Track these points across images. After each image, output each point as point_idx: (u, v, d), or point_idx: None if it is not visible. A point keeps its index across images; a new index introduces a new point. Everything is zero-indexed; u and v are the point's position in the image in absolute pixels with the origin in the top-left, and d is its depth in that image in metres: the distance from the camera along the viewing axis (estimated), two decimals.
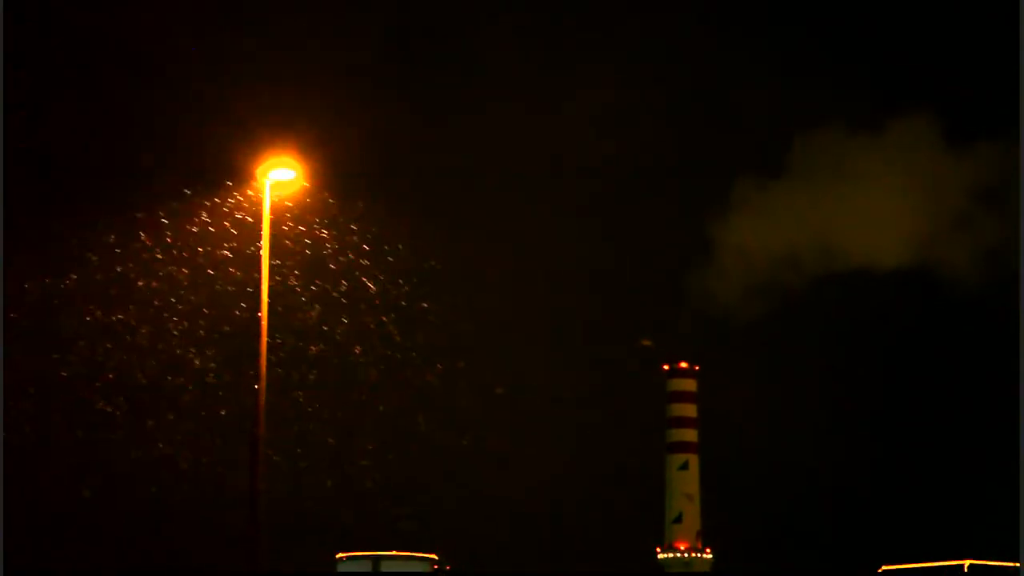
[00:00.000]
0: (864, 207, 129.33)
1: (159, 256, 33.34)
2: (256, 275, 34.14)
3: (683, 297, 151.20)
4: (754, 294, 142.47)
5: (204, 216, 33.56)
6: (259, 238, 33.77)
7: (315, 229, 34.47)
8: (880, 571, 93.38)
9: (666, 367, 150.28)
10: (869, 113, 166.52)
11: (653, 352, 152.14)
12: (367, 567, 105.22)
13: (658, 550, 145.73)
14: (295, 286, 34.82)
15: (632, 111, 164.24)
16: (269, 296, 33.74)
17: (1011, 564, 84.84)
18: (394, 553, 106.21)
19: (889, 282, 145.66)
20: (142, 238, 33.22)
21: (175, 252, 33.42)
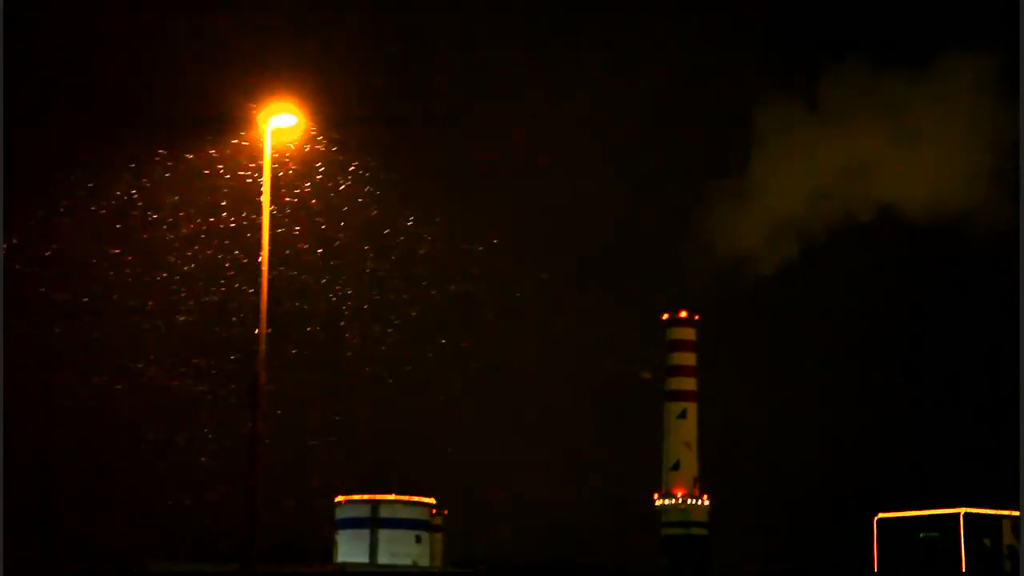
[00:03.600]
0: (896, 149, 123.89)
1: (160, 203, 33.45)
2: (257, 219, 34.30)
3: (694, 245, 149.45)
4: (766, 242, 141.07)
5: (205, 163, 33.62)
6: (260, 184, 33.83)
7: (316, 175, 34.59)
8: (876, 519, 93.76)
9: (665, 315, 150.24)
10: (911, 48, 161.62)
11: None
12: (366, 511, 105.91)
13: (655, 497, 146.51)
14: (295, 233, 34.99)
15: (640, 58, 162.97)
16: (269, 242, 33.83)
17: (1006, 512, 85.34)
18: (393, 497, 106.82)
19: (913, 232, 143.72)
20: (141, 185, 33.31)
21: (176, 200, 33.55)
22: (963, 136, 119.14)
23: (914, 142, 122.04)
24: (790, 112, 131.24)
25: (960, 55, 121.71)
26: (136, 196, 33.42)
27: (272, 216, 34.42)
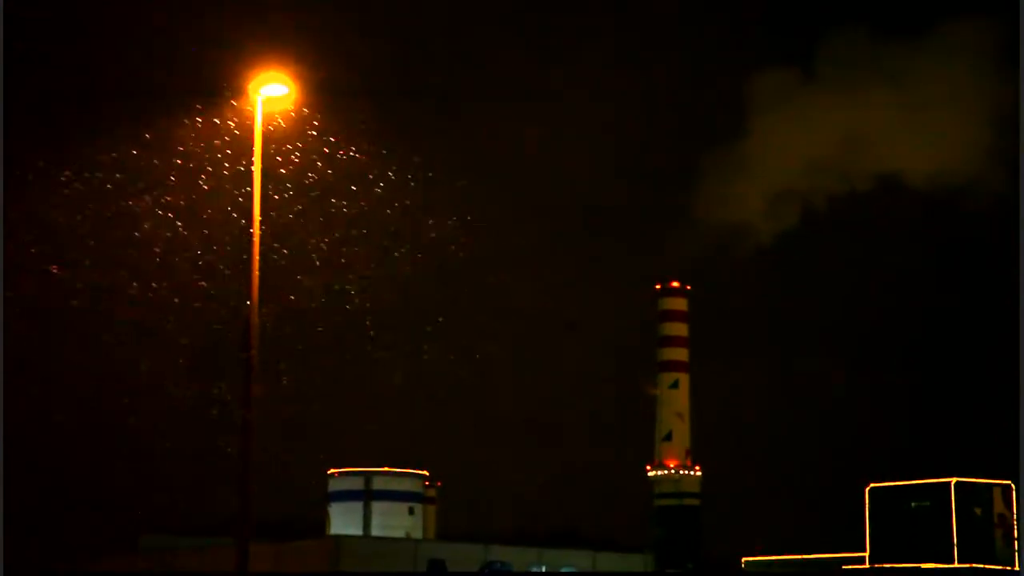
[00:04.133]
0: (895, 117, 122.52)
1: (151, 170, 33.31)
2: (275, 216, 34.29)
3: (688, 214, 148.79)
4: (764, 213, 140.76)
5: (193, 133, 33.41)
6: (251, 155, 33.64)
7: (307, 145, 34.38)
8: (868, 489, 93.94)
9: (657, 286, 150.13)
10: (910, 15, 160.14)
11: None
12: (359, 484, 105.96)
13: (648, 468, 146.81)
14: (285, 202, 34.82)
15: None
16: (260, 214, 33.70)
17: (997, 482, 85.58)
18: (386, 469, 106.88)
19: (911, 203, 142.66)
20: (133, 155, 33.17)
21: (164, 170, 33.40)
22: (965, 107, 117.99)
23: (915, 112, 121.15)
24: (788, 81, 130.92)
25: (961, 24, 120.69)
26: (143, 190, 33.32)
27: (282, 218, 34.42)
